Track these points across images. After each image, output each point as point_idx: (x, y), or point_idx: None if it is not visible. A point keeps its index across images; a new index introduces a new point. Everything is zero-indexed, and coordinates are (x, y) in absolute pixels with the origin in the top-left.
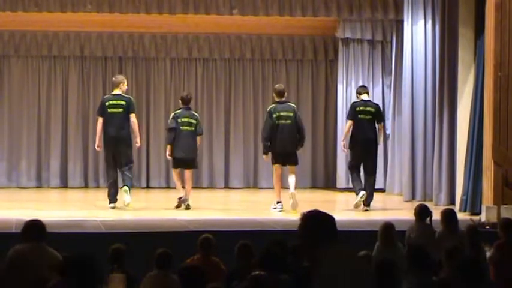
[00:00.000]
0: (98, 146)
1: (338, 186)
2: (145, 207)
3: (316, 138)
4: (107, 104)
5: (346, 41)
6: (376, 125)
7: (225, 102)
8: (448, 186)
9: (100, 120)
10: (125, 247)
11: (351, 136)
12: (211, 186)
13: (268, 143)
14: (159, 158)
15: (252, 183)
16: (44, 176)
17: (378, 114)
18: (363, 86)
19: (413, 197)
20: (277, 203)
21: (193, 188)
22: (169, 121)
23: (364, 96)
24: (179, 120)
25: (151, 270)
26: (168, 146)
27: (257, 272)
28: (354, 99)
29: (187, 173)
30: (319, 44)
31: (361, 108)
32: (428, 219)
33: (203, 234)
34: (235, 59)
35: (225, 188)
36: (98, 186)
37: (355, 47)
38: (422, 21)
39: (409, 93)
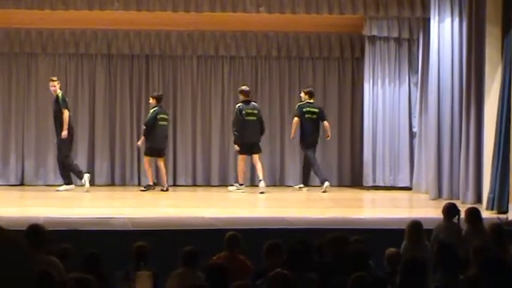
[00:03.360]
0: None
1: (365, 184)
2: (172, 204)
3: (342, 137)
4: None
5: (372, 39)
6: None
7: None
8: (475, 185)
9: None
10: (149, 245)
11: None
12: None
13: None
14: (185, 155)
15: (278, 180)
16: (71, 174)
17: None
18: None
19: (439, 195)
20: (240, 185)
21: (219, 186)
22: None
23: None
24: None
25: (178, 268)
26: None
27: (279, 270)
28: (381, 97)
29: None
30: (346, 41)
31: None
32: (456, 218)
33: (229, 232)
34: (261, 56)
35: (251, 185)
36: (124, 184)
37: (381, 45)
38: (449, 19)
39: (436, 91)
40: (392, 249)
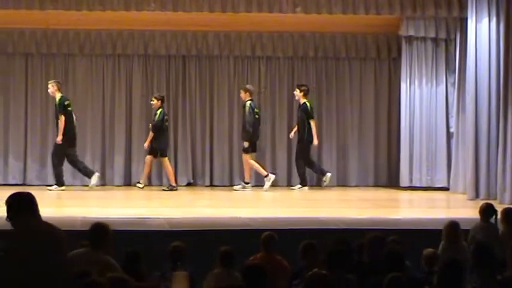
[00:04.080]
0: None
1: (401, 184)
2: (209, 205)
3: (379, 137)
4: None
5: (409, 39)
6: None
7: (288, 100)
8: None
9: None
10: (186, 245)
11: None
12: (273, 184)
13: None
14: (222, 156)
15: (315, 181)
16: (108, 174)
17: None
18: None
19: (477, 196)
20: (247, 183)
21: (255, 186)
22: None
23: None
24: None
25: (215, 269)
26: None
27: (317, 270)
28: (418, 97)
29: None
30: (383, 42)
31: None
32: (493, 218)
33: (266, 232)
34: (298, 57)
35: (287, 186)
36: (161, 184)
37: (418, 45)
38: (486, 19)
39: (473, 91)
40: (429, 250)
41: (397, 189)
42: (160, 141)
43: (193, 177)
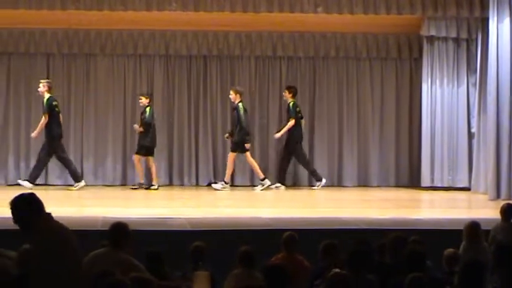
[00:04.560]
0: None
1: (422, 185)
2: (230, 205)
3: (400, 137)
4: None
5: (431, 39)
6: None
7: (309, 100)
8: None
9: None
10: (207, 245)
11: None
12: (295, 184)
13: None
14: (242, 155)
15: (336, 181)
16: (129, 174)
17: None
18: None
19: (498, 196)
20: (264, 179)
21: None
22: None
23: None
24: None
25: (236, 268)
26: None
27: (337, 270)
28: (439, 97)
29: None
30: (404, 42)
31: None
32: None
33: (287, 232)
34: (319, 57)
35: (308, 186)
36: (182, 184)
37: (440, 45)
38: (508, 19)
39: (494, 92)
40: (450, 250)
41: (419, 189)
42: (148, 140)
43: (214, 177)
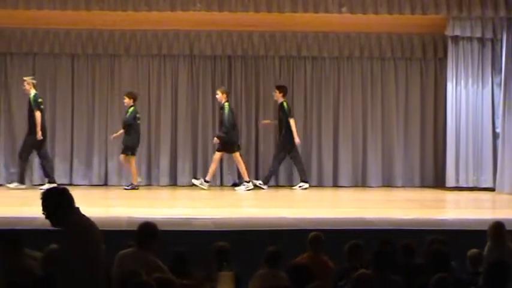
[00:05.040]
0: None
1: (447, 185)
2: (254, 205)
3: (425, 137)
4: None
5: (455, 39)
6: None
7: (333, 100)
8: None
9: None
10: (231, 245)
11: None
12: (319, 185)
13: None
14: (269, 156)
15: (361, 181)
16: (153, 174)
17: None
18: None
19: None
20: (248, 182)
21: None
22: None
23: None
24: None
25: (260, 269)
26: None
27: (364, 271)
28: (464, 97)
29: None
30: (429, 42)
31: None
32: None
33: (312, 233)
34: (344, 57)
35: (333, 186)
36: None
37: (464, 45)
38: None
39: None
40: (474, 250)
41: (443, 189)
42: (130, 139)
43: (239, 177)
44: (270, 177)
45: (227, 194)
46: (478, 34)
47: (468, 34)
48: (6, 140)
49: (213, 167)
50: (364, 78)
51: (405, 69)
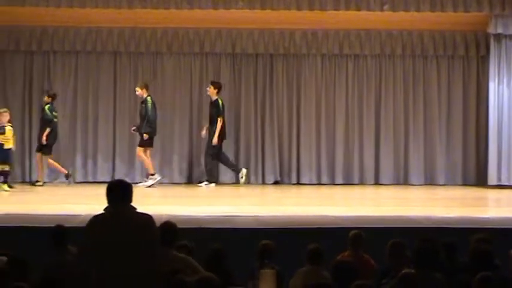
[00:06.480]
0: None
1: (489, 183)
2: (296, 203)
3: (467, 135)
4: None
5: (498, 37)
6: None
7: (375, 98)
8: None
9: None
10: (272, 243)
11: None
12: (361, 183)
13: None
14: (309, 154)
15: (402, 179)
16: (195, 172)
17: None
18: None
19: None
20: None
21: (343, 184)
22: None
23: None
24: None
25: (302, 266)
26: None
27: (407, 270)
28: (506, 96)
29: None
30: (471, 40)
31: None
32: None
33: (353, 231)
34: (385, 55)
35: (375, 184)
36: (248, 182)
37: (507, 43)
38: None
39: None
40: None
41: (485, 188)
42: (50, 138)
43: (281, 175)
44: (209, 172)
45: (269, 191)
46: None
47: (511, 32)
48: None
49: (146, 163)
50: (406, 76)
51: (447, 67)
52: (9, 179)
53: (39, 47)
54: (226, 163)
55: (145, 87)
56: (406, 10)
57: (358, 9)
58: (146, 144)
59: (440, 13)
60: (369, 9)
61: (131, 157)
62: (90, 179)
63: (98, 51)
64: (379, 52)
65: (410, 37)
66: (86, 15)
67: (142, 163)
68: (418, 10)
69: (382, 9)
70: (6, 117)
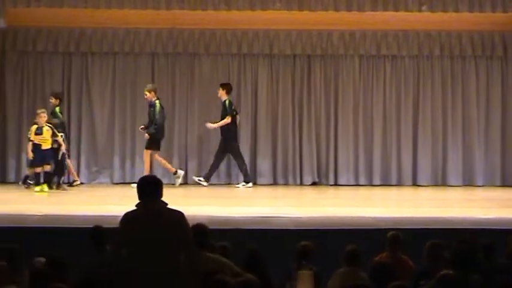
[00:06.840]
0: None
1: None
2: (334, 204)
3: (506, 136)
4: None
5: None
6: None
7: (413, 99)
8: None
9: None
10: (310, 244)
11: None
12: (399, 184)
13: None
14: (347, 155)
15: (441, 180)
16: (233, 173)
17: None
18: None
19: None
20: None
21: (381, 185)
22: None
23: None
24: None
25: (340, 267)
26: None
27: (446, 271)
28: None
29: None
30: (509, 40)
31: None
32: None
33: (391, 232)
34: (423, 56)
35: (412, 185)
36: (286, 183)
37: None
38: None
39: None
40: None
41: None
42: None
43: (318, 176)
44: (245, 172)
45: (307, 193)
46: None
47: None
48: (88, 139)
49: (146, 166)
50: (444, 76)
51: (486, 67)
52: (54, 180)
53: (77, 49)
54: (214, 165)
55: (154, 90)
56: (445, 10)
57: (396, 10)
58: (153, 147)
59: (478, 13)
60: (406, 10)
61: (169, 159)
62: (128, 180)
63: (135, 52)
64: (417, 53)
65: (448, 38)
66: (124, 17)
67: (160, 165)
68: (456, 10)
69: (420, 10)
70: (44, 118)
